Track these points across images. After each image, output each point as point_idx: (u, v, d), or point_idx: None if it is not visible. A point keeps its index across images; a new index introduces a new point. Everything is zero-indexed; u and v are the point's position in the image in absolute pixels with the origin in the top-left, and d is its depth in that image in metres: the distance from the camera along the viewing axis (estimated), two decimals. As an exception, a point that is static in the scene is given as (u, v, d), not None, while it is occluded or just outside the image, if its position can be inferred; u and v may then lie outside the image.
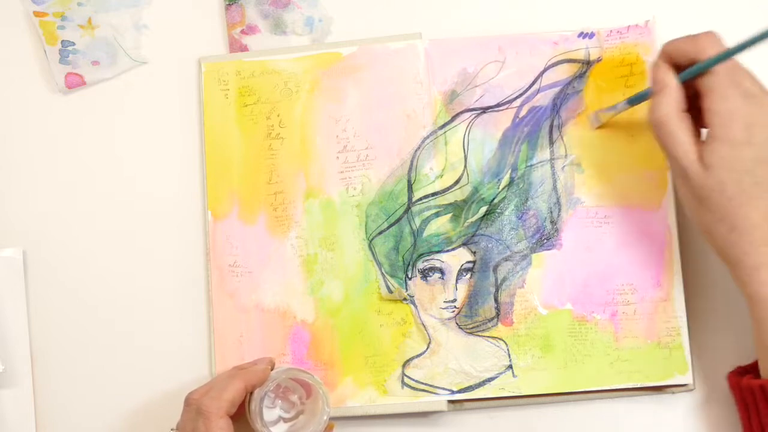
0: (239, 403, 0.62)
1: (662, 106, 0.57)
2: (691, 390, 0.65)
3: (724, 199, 0.54)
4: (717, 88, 0.55)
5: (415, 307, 0.68)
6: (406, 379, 0.67)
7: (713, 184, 0.55)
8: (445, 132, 0.69)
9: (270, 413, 0.64)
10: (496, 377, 0.66)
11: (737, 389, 0.56)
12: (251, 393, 0.63)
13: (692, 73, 0.57)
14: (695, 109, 0.58)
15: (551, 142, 0.68)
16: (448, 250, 0.68)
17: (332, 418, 0.65)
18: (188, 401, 0.62)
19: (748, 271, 0.54)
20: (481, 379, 0.66)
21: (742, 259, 0.55)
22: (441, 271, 0.68)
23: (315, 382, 0.64)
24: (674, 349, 0.65)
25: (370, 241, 0.69)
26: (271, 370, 0.66)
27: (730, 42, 0.57)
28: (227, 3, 0.74)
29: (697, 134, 0.58)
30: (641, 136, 0.68)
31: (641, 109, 0.68)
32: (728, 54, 0.55)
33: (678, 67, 0.58)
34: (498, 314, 0.67)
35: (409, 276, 0.68)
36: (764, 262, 0.54)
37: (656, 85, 0.58)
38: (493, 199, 0.68)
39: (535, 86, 0.69)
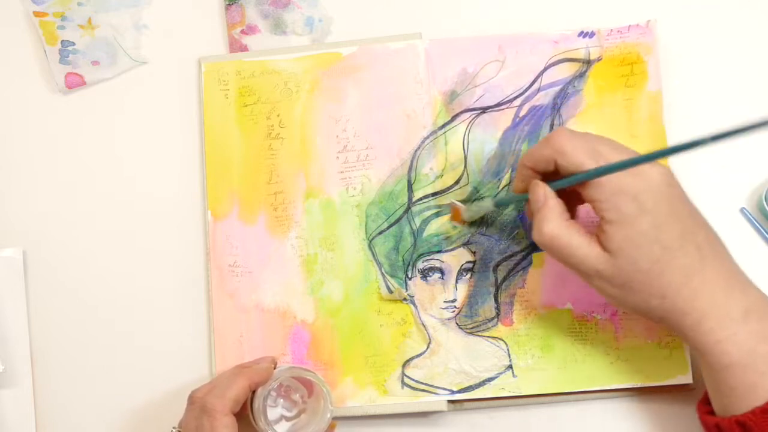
0: (243, 401, 0.62)
1: (545, 224, 0.56)
2: (692, 390, 0.65)
3: (641, 275, 0.54)
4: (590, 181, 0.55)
5: (415, 307, 0.68)
6: (406, 379, 0.67)
7: (626, 266, 0.54)
8: (445, 132, 0.69)
9: (272, 411, 0.64)
10: (496, 377, 0.66)
11: (713, 428, 0.56)
12: (254, 391, 0.63)
13: (568, 182, 0.56)
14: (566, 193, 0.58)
15: (551, 142, 0.68)
16: (448, 250, 0.68)
17: (332, 418, 0.65)
18: (192, 399, 0.62)
19: (692, 328, 0.54)
20: (481, 379, 0.66)
21: (682, 320, 0.55)
22: (441, 271, 0.68)
23: (318, 381, 0.64)
24: (675, 350, 0.65)
25: (370, 241, 0.69)
26: (274, 368, 0.66)
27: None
28: (227, 3, 0.74)
29: (590, 235, 0.56)
30: (641, 136, 0.67)
31: (642, 109, 0.68)
32: (606, 170, 0.54)
33: (545, 173, 0.58)
34: (498, 314, 0.67)
35: (409, 276, 0.68)
36: (702, 314, 0.54)
37: (534, 204, 0.58)
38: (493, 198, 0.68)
39: (536, 85, 0.69)
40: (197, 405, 0.61)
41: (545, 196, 0.57)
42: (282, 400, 0.65)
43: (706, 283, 0.54)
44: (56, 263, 0.72)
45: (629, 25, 0.69)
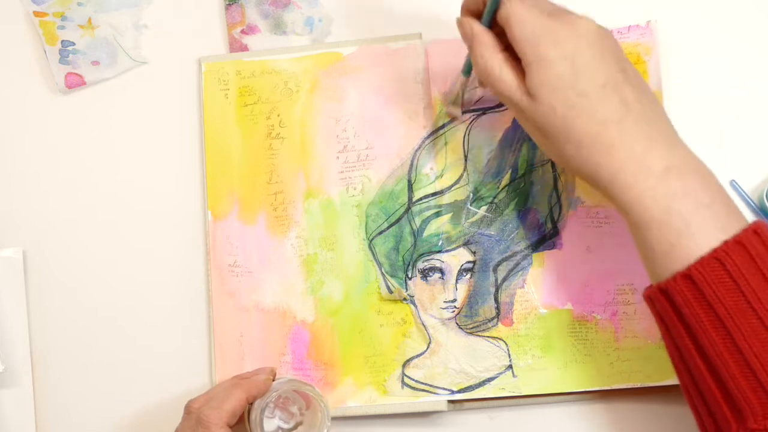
0: (240, 413, 0.62)
1: (478, 56, 0.56)
2: (692, 390, 0.65)
3: (558, 120, 0.53)
4: (513, 16, 0.54)
5: (415, 307, 0.68)
6: (406, 379, 0.67)
7: (543, 109, 0.53)
8: (445, 132, 0.69)
9: (269, 423, 0.63)
10: (496, 377, 0.66)
11: (648, 301, 0.54)
12: (251, 403, 0.63)
13: (489, 12, 0.56)
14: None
15: (551, 142, 0.68)
16: (448, 250, 0.68)
17: (332, 418, 0.65)
18: (188, 409, 0.61)
19: (607, 182, 0.53)
20: (481, 379, 0.66)
21: (598, 172, 0.53)
22: (441, 271, 0.68)
23: (316, 396, 0.63)
24: (674, 349, 0.65)
25: (370, 241, 0.69)
26: (273, 380, 0.65)
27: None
28: (227, 3, 0.74)
29: (523, 75, 0.55)
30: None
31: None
32: None
33: (480, 16, 0.58)
34: (498, 314, 0.67)
35: (409, 276, 0.68)
36: (619, 167, 0.52)
37: (466, 39, 0.58)
38: (494, 198, 0.68)
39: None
40: (193, 416, 0.60)
41: (471, 29, 0.57)
42: (279, 411, 0.65)
43: (625, 135, 0.52)
44: (56, 263, 0.72)
45: (629, 26, 0.69)
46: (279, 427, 0.64)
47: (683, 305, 0.50)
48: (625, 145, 0.52)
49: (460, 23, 0.58)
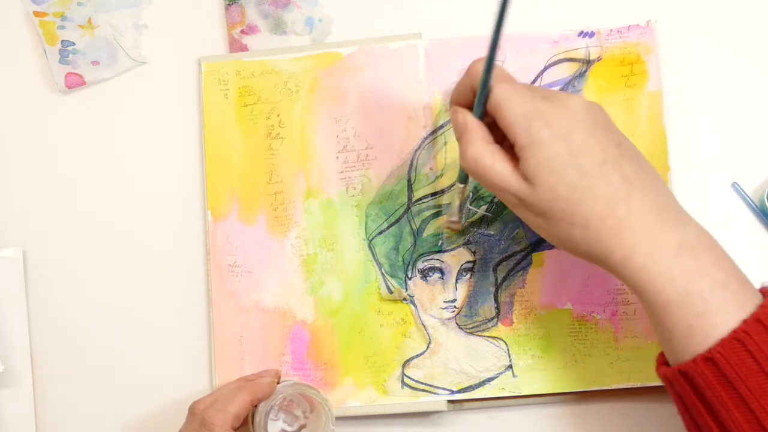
0: (244, 416, 0.62)
1: (468, 147, 0.54)
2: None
3: (561, 202, 0.51)
4: (503, 101, 0.53)
5: (415, 307, 0.68)
6: (405, 379, 0.67)
7: (544, 193, 0.52)
8: (444, 132, 0.69)
9: (273, 425, 0.63)
10: (496, 377, 0.66)
11: (665, 381, 0.53)
12: (256, 405, 0.63)
13: (479, 101, 0.55)
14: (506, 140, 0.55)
15: (551, 142, 0.68)
16: (448, 250, 0.68)
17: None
18: (192, 411, 0.61)
19: (621, 264, 0.51)
20: (481, 379, 0.66)
21: (609, 255, 0.51)
22: (441, 271, 0.68)
23: (321, 399, 0.63)
24: (675, 349, 0.65)
25: (370, 241, 0.69)
26: (278, 382, 0.65)
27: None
28: (227, 3, 0.74)
29: (516, 162, 0.54)
30: (641, 136, 0.67)
31: (642, 109, 0.68)
32: (488, 58, 0.53)
33: (471, 107, 0.56)
34: (498, 314, 0.67)
35: (409, 276, 0.68)
36: (631, 248, 0.51)
37: (456, 130, 0.56)
38: (494, 198, 0.68)
39: (536, 85, 0.69)
40: (197, 417, 0.60)
41: (464, 120, 0.55)
42: (283, 414, 0.64)
43: (633, 214, 0.51)
44: (56, 263, 0.72)
45: (629, 25, 0.69)
46: (283, 430, 0.64)
47: (705, 387, 0.49)
48: (635, 225, 0.51)
49: (453, 112, 0.56)
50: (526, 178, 0.52)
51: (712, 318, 0.49)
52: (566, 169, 0.51)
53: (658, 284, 0.50)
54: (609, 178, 0.51)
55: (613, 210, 0.51)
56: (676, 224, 0.51)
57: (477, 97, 0.55)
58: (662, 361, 0.53)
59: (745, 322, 0.48)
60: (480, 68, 0.54)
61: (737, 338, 0.48)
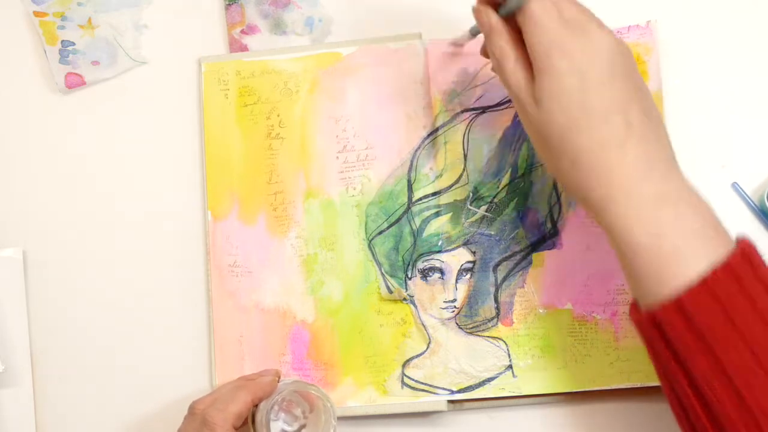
0: (245, 415, 0.61)
1: (495, 46, 0.55)
2: (692, 390, 0.65)
3: (557, 130, 0.52)
4: (531, 18, 0.53)
5: (415, 307, 0.68)
6: (405, 379, 0.67)
7: (545, 118, 0.52)
8: (445, 132, 0.69)
9: (273, 425, 0.63)
10: (496, 377, 0.66)
11: (636, 324, 0.53)
12: (256, 405, 0.63)
13: (508, 9, 0.55)
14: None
15: (551, 142, 0.68)
16: (448, 250, 0.68)
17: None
18: (193, 410, 0.61)
19: (598, 204, 0.52)
20: (481, 379, 0.66)
21: (589, 193, 0.52)
22: (441, 271, 0.68)
23: (322, 397, 0.63)
24: (674, 349, 0.65)
25: (370, 241, 0.69)
26: (278, 381, 0.65)
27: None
28: (227, 3, 0.74)
29: (532, 75, 0.54)
30: (641, 136, 0.67)
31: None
32: None
33: (496, 6, 0.56)
34: (498, 314, 0.67)
35: (409, 276, 0.68)
36: (613, 192, 0.51)
37: (482, 28, 0.57)
38: (493, 198, 0.68)
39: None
40: (198, 417, 0.60)
41: (489, 20, 0.56)
42: (283, 414, 0.64)
43: (623, 160, 0.51)
44: (56, 263, 0.72)
45: (629, 26, 0.69)
46: (283, 429, 0.64)
47: (672, 334, 0.49)
48: (621, 171, 0.51)
49: (477, 12, 0.57)
50: (535, 98, 0.53)
51: (681, 264, 0.49)
52: (572, 104, 0.52)
53: (631, 227, 0.50)
54: (611, 119, 0.52)
55: (605, 152, 0.51)
56: (662, 174, 0.52)
57: (508, 4, 0.54)
58: (634, 305, 0.54)
59: (714, 270, 0.48)
60: None
61: (705, 285, 0.48)
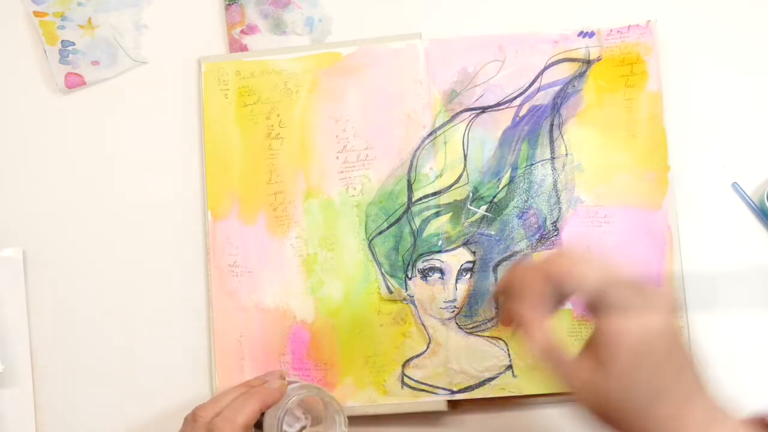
0: (252, 424, 0.59)
1: (536, 336, 0.51)
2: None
3: (641, 399, 0.50)
4: (615, 333, 0.49)
5: (415, 307, 0.68)
6: (405, 379, 0.67)
7: (617, 395, 0.49)
8: (444, 132, 0.69)
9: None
10: (496, 377, 0.66)
11: None
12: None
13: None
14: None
15: (552, 141, 0.68)
16: (448, 250, 0.68)
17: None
18: (195, 417, 0.59)
19: None
20: (481, 379, 0.66)
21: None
22: (441, 271, 0.68)
23: (333, 402, 0.62)
24: (675, 349, 0.65)
25: (370, 241, 0.69)
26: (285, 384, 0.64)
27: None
28: (227, 3, 0.74)
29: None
30: (641, 136, 0.67)
31: (642, 109, 0.68)
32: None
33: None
34: (498, 314, 0.67)
35: (409, 276, 0.68)
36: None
37: (518, 321, 0.52)
38: (493, 198, 0.68)
39: (535, 85, 0.69)
40: (201, 425, 0.58)
41: (532, 319, 0.51)
42: (286, 417, 0.63)
43: (695, 417, 0.49)
44: (56, 263, 0.72)
45: (629, 25, 0.69)
46: (284, 431, 0.63)
47: None
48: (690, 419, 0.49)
49: (514, 305, 0.52)
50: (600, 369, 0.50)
51: None
52: (640, 384, 0.49)
53: None
54: (683, 377, 0.50)
55: (683, 407, 0.50)
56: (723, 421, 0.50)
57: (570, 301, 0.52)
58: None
59: None
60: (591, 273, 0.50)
61: None
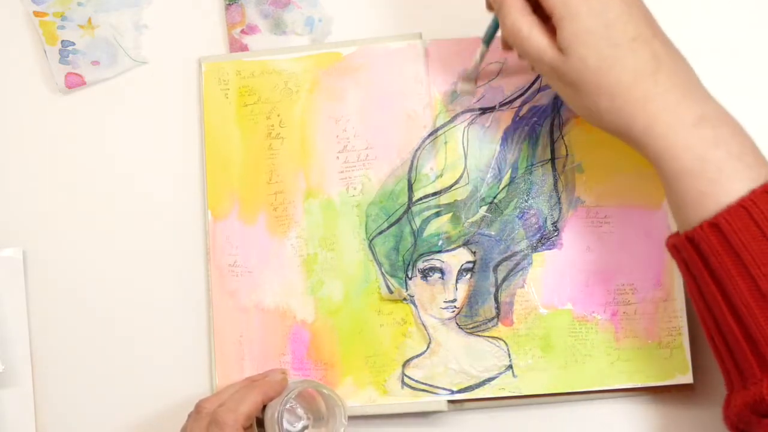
0: (255, 415, 0.61)
1: (506, 17, 0.56)
2: (692, 390, 0.65)
3: (590, 73, 0.54)
4: None
5: (415, 307, 0.68)
6: (406, 379, 0.67)
7: (575, 63, 0.54)
8: (445, 132, 0.69)
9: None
10: (496, 377, 0.66)
11: (673, 250, 0.55)
12: (265, 405, 0.62)
13: None
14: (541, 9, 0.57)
15: (552, 142, 0.68)
16: (448, 250, 0.68)
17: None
18: (199, 409, 0.61)
19: (642, 133, 0.53)
20: (481, 379, 0.66)
21: (631, 124, 0.54)
22: (441, 271, 0.68)
23: (334, 396, 0.63)
24: (675, 349, 0.65)
25: (370, 241, 0.69)
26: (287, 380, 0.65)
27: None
28: (227, 3, 0.74)
29: (552, 34, 0.56)
30: (641, 136, 0.67)
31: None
32: None
33: None
34: (498, 314, 0.67)
35: (409, 276, 0.68)
36: (653, 118, 0.53)
37: (494, 2, 0.58)
38: (494, 198, 0.68)
39: (536, 86, 0.69)
40: (205, 416, 0.60)
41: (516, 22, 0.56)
42: (287, 414, 0.64)
43: (659, 87, 0.53)
44: (56, 263, 0.72)
45: (629, 25, 0.69)
46: (286, 430, 0.63)
47: (710, 253, 0.51)
48: (659, 97, 0.53)
49: None
50: (560, 49, 0.54)
51: (723, 186, 0.51)
52: (599, 42, 0.53)
53: (675, 152, 0.52)
54: (639, 52, 0.53)
55: (640, 82, 0.53)
56: (698, 99, 0.54)
57: None
58: (671, 236, 0.55)
59: (753, 191, 0.50)
60: None
61: (743, 206, 0.50)
